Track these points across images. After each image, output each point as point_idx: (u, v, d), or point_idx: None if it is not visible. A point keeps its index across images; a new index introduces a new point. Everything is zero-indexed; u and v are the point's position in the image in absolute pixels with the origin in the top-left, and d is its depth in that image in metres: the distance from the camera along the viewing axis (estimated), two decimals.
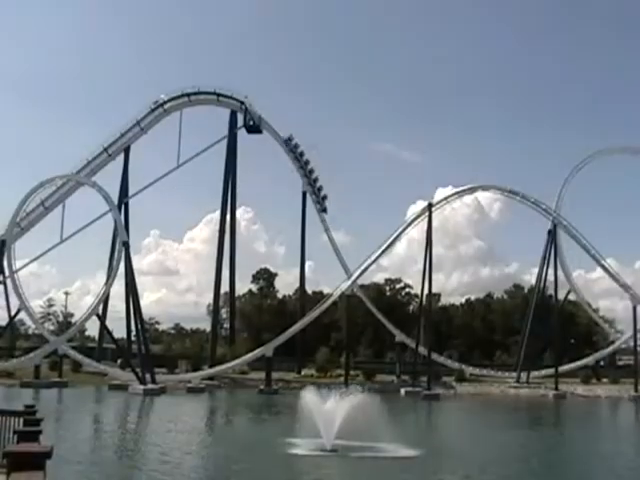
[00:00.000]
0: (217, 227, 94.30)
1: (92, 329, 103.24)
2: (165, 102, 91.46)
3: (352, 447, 28.28)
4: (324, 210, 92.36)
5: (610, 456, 32.76)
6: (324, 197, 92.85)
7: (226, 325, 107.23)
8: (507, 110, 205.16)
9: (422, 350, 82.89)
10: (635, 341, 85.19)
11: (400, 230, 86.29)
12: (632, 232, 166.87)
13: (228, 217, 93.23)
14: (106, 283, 79.85)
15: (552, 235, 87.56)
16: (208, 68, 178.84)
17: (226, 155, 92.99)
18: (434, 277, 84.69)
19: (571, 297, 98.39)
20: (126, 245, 74.05)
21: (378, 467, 26.15)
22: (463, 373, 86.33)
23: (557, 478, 26.84)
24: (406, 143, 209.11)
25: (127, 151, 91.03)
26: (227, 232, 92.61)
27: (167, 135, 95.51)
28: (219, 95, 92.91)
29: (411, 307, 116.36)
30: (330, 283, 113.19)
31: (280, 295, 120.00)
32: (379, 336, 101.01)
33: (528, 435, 42.08)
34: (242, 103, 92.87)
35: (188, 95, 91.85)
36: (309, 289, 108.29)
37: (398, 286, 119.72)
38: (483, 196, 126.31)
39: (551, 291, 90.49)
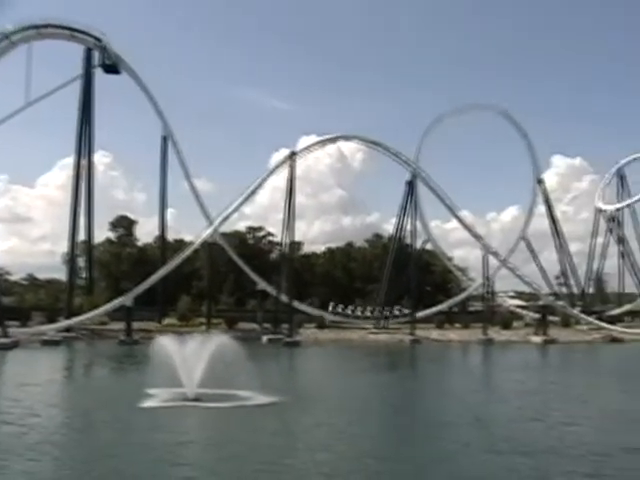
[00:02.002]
0: (73, 172, 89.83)
1: None
2: (11, 33, 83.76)
3: (215, 395, 28.01)
4: None
5: (461, 392, 35.29)
6: None
7: (84, 275, 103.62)
8: (374, 62, 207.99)
9: (284, 298, 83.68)
10: (485, 288, 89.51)
11: (262, 178, 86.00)
12: (485, 186, 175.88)
13: (85, 161, 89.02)
14: None
15: (411, 186, 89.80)
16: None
17: (81, 95, 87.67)
18: (296, 226, 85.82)
19: (428, 246, 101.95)
20: None
21: (241, 414, 26.07)
22: (324, 320, 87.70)
23: (416, 413, 28.38)
24: (274, 90, 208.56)
25: None
26: (83, 177, 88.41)
27: (17, 70, 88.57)
28: (73, 30, 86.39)
29: (273, 255, 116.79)
30: (193, 231, 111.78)
31: (141, 243, 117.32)
32: (241, 284, 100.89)
33: (387, 377, 43.64)
34: (99, 40, 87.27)
35: (37, 27, 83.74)
36: (170, 237, 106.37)
37: (260, 234, 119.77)
38: (346, 146, 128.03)
39: (409, 240, 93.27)
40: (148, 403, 27.63)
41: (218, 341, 30.52)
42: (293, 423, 25.06)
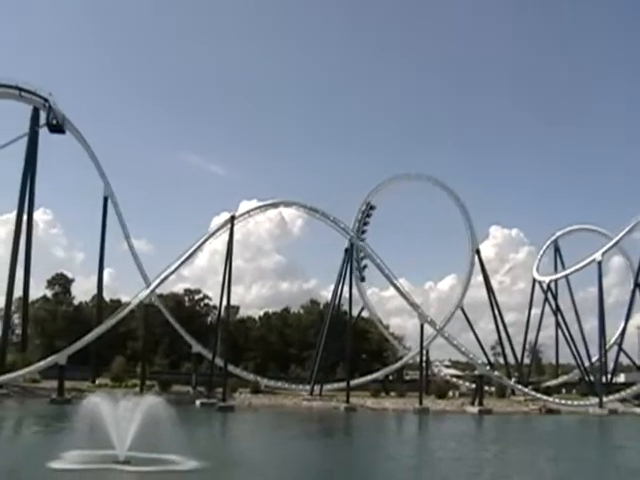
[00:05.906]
0: (14, 228, 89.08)
1: None
2: None
3: (146, 459, 28.01)
4: None
5: (395, 457, 35.95)
6: None
7: (18, 331, 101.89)
8: (313, 130, 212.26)
9: (219, 361, 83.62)
10: (421, 357, 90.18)
11: (202, 241, 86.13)
12: (424, 255, 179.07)
13: (25, 218, 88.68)
14: None
15: (349, 253, 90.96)
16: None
17: (26, 153, 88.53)
18: (234, 289, 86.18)
19: (364, 314, 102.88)
20: None
21: (167, 479, 26.19)
22: (258, 385, 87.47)
23: None
24: (214, 156, 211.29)
25: None
26: (23, 233, 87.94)
27: None
28: (21, 90, 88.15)
29: (209, 318, 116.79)
30: (130, 292, 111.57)
31: (77, 302, 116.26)
32: (176, 346, 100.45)
33: (319, 445, 43.69)
34: (46, 100, 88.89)
35: None
36: (107, 297, 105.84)
37: (197, 297, 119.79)
38: (286, 212, 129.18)
39: (346, 307, 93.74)
40: (75, 465, 27.26)
41: (151, 403, 30.58)
42: None
